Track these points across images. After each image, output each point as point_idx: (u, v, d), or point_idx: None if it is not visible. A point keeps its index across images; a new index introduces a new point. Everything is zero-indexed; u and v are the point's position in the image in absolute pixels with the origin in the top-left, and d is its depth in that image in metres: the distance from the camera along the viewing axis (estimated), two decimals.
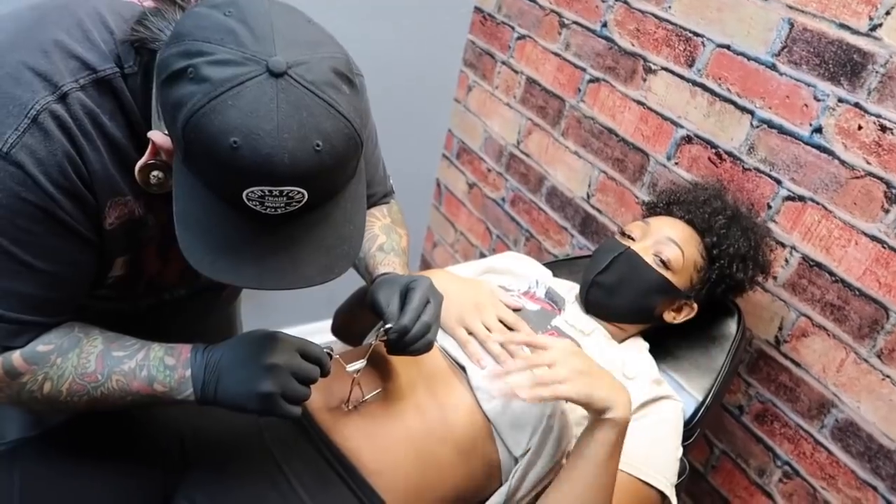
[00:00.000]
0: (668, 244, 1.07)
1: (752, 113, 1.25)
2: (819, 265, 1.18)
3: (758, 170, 1.26)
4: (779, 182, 1.23)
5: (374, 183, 1.07)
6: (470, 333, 0.98)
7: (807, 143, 1.17)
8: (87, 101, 0.68)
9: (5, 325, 0.71)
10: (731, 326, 1.16)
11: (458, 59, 2.00)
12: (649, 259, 1.07)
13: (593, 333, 1.06)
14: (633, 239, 1.11)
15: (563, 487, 0.84)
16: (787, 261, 1.23)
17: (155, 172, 0.70)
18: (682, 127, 1.39)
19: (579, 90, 1.61)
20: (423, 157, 2.17)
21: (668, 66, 1.39)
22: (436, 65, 1.99)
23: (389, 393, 0.91)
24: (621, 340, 1.11)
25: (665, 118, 1.42)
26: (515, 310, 1.03)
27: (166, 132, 0.65)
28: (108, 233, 0.74)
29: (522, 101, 1.80)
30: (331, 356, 0.79)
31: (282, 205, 0.60)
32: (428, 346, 0.83)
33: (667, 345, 1.15)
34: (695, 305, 1.11)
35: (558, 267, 1.31)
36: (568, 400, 0.81)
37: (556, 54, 1.66)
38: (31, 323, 0.73)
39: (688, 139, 1.38)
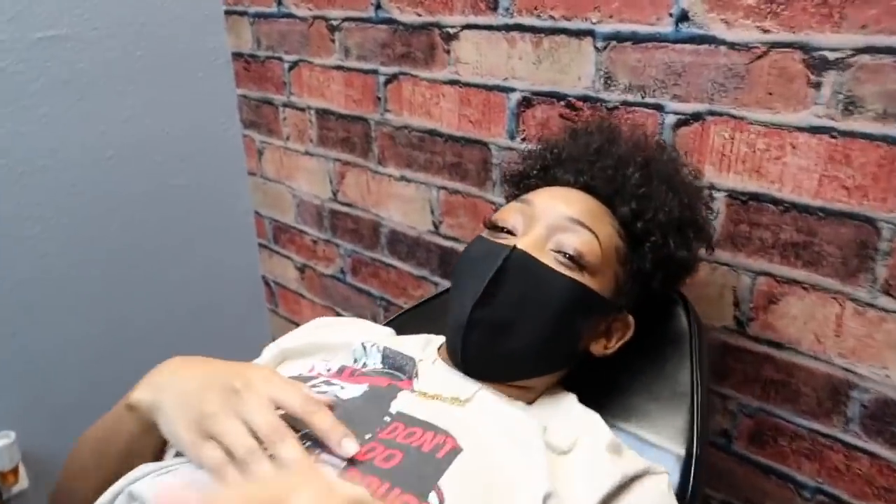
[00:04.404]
0: (570, 228, 0.66)
1: (591, 34, 0.91)
2: (755, 196, 0.82)
3: (626, 103, 0.90)
4: (659, 108, 0.87)
5: None
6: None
7: (675, 41, 0.83)
8: None
9: None
10: (678, 319, 0.75)
11: (235, 123, 1.59)
12: (548, 259, 0.64)
13: (475, 397, 0.62)
14: (512, 233, 0.69)
15: None
16: (710, 209, 0.86)
17: None
18: (513, 90, 1.03)
19: (378, 99, 1.23)
20: (237, 258, 1.70)
21: (469, 21, 1.04)
22: (212, 142, 1.56)
23: None
24: (531, 402, 0.67)
25: (489, 88, 1.06)
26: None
27: None
28: None
29: (322, 142, 1.40)
30: None
31: None
32: None
33: (600, 381, 0.72)
34: (630, 320, 0.70)
35: (408, 321, 0.87)
36: None
37: (339, 67, 1.29)
38: None
39: (526, 102, 1.02)
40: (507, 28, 1.00)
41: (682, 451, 0.64)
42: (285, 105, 1.45)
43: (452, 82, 1.10)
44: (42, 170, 1.29)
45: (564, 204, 0.68)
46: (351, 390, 0.60)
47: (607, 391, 0.71)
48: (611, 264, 0.67)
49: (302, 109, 1.41)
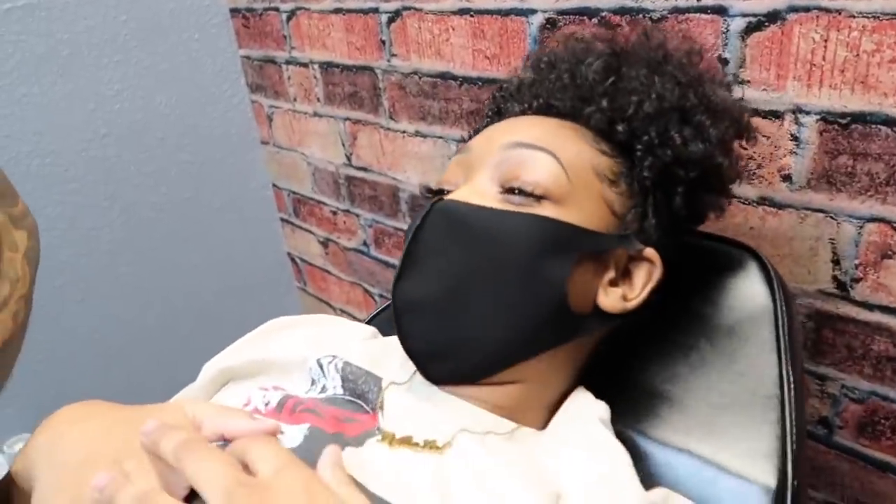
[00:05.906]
0: (515, 156, 0.49)
1: None
2: (860, 117, 0.61)
3: (677, 10, 0.70)
4: (721, 11, 0.67)
5: None
6: None
7: None
8: None
9: None
10: (754, 288, 0.56)
11: (241, 88, 1.45)
12: (491, 200, 0.48)
13: (456, 440, 0.45)
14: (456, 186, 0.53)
15: None
16: (796, 139, 0.66)
17: None
18: (533, 12, 0.83)
19: (383, 43, 1.06)
20: (259, 236, 1.58)
21: None
22: (218, 111, 1.42)
23: None
24: (542, 424, 0.50)
25: (504, 13, 0.86)
26: None
27: None
28: None
29: (328, 100, 1.24)
30: None
31: None
32: None
33: (644, 383, 0.54)
34: (652, 253, 0.51)
35: None
36: None
37: (337, 10, 1.12)
38: None
39: (550, 25, 0.82)
40: None
41: (770, 482, 0.46)
42: (288, 62, 1.29)
43: (462, 11, 0.91)
44: (28, 156, 1.19)
45: (507, 132, 0.52)
46: (290, 435, 0.43)
47: (653, 397, 0.53)
48: (590, 187, 0.50)
49: (305, 65, 1.25)
